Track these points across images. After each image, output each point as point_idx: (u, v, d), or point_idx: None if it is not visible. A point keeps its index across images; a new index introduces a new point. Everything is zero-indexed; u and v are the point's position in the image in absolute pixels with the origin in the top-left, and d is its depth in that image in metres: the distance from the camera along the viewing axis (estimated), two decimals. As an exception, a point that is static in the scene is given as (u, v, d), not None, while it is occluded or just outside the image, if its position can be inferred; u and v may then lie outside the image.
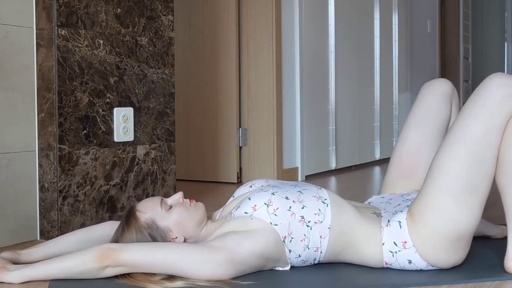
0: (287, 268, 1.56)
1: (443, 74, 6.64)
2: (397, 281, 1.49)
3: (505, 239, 1.78)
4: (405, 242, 1.52)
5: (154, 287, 1.43)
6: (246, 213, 1.55)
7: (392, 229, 1.54)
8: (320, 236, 1.55)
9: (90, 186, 2.07)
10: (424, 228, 1.51)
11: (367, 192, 3.09)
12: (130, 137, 2.21)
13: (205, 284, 1.42)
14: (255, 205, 1.55)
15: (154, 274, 1.47)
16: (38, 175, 2.02)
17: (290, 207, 1.54)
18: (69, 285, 1.48)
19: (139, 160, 2.25)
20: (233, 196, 1.76)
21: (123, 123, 2.17)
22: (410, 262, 1.54)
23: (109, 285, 1.47)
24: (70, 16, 2.00)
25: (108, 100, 2.12)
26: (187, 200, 1.62)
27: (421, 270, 1.56)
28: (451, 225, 1.49)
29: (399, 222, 1.54)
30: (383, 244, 1.55)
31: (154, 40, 2.30)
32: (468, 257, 1.66)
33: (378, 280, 1.52)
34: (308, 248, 1.54)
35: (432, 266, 1.55)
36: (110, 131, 2.14)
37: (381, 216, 1.62)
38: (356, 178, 3.81)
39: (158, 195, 2.33)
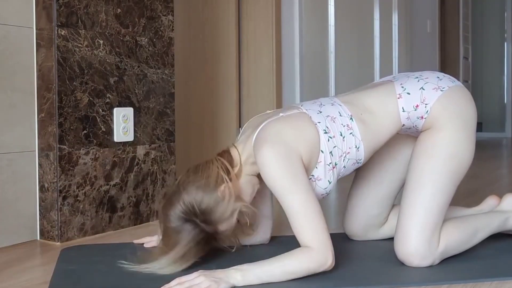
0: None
1: (443, 74, 6.64)
2: (396, 280, 1.50)
3: (505, 237, 1.78)
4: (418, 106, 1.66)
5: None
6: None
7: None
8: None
9: (90, 186, 2.07)
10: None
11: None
12: (130, 137, 2.21)
13: None
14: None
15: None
16: (38, 175, 2.02)
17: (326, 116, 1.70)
18: (69, 285, 1.48)
19: (139, 160, 2.25)
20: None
21: (123, 123, 2.17)
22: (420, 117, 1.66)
23: (109, 285, 1.47)
24: (70, 16, 2.00)
25: (108, 100, 2.12)
26: None
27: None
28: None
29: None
30: (398, 98, 1.68)
31: (154, 40, 2.30)
32: (468, 257, 1.66)
33: (377, 279, 1.52)
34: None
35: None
36: (110, 131, 2.14)
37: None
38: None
39: (158, 195, 2.33)
